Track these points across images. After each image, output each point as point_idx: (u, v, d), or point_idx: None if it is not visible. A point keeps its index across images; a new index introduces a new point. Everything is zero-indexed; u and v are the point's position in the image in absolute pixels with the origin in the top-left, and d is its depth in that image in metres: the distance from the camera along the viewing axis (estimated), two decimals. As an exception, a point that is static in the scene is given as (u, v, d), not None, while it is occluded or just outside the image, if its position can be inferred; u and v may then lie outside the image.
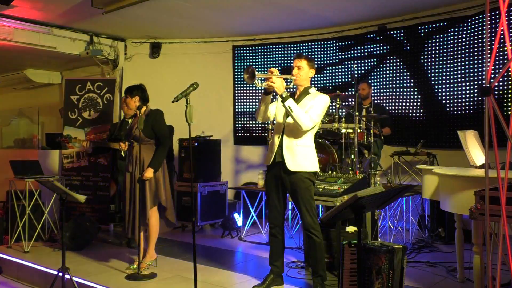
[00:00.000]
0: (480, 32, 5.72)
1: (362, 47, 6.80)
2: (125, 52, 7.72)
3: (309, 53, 7.17)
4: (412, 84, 6.38)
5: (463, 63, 5.90)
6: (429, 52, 6.21)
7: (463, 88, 5.90)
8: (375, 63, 6.71)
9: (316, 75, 7.15)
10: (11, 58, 7.81)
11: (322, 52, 7.16)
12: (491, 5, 5.00)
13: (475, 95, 5.80)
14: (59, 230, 5.44)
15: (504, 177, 2.07)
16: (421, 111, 6.30)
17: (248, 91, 7.75)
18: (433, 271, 4.15)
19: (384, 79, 6.62)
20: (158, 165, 4.14)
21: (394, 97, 6.54)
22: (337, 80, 7.03)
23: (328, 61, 7.11)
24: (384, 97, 6.62)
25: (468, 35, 5.85)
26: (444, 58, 6.07)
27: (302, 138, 3.54)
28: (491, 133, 2.04)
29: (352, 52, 6.91)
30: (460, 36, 5.93)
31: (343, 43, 6.97)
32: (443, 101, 6.09)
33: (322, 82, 7.17)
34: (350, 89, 6.79)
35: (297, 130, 3.51)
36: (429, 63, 6.22)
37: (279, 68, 7.38)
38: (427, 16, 6.18)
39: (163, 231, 4.62)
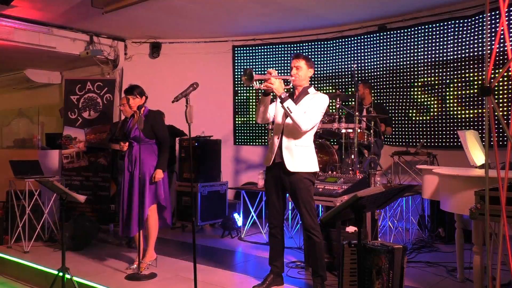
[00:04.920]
0: (480, 32, 5.72)
1: (362, 47, 6.80)
2: (125, 52, 7.72)
3: (309, 53, 7.17)
4: (412, 84, 6.37)
5: (463, 63, 5.90)
6: (429, 52, 6.21)
7: (463, 88, 5.90)
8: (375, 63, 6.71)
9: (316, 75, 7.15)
10: (11, 58, 7.81)
11: (322, 52, 7.16)
12: (491, 5, 5.00)
13: (475, 95, 5.80)
14: (59, 230, 5.44)
15: (504, 177, 2.07)
16: (421, 111, 6.30)
17: (248, 91, 7.75)
18: (433, 271, 4.14)
19: (384, 79, 6.62)
20: (165, 165, 4.30)
21: (394, 97, 6.54)
22: (337, 80, 7.02)
23: (328, 61, 7.11)
24: (384, 97, 6.61)
25: (468, 35, 5.85)
26: (444, 58, 6.07)
27: (302, 138, 3.54)
28: (491, 133, 2.04)
29: (352, 52, 6.91)
30: (460, 36, 5.93)
31: (343, 43, 6.96)
32: (443, 101, 6.08)
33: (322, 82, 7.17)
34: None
35: (296, 131, 3.50)
36: (429, 63, 6.22)
37: (279, 68, 7.40)
38: (427, 16, 6.18)
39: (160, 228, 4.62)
